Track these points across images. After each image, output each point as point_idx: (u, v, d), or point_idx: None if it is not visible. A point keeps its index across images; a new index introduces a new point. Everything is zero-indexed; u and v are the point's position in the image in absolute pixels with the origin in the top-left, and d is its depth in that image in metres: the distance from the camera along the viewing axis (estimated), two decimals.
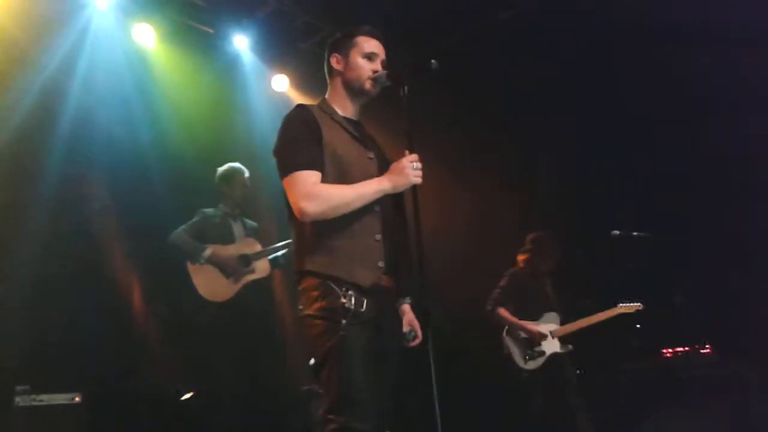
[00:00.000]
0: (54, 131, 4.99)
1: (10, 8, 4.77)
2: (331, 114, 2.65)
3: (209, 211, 4.99)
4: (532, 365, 4.98)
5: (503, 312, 5.08)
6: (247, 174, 4.99)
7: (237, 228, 5.02)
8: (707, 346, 5.40)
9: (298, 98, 6.24)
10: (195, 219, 4.95)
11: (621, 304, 5.11)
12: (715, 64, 5.18)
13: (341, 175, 2.49)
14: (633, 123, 5.90)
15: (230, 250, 4.87)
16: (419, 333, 2.67)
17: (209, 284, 4.76)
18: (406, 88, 2.52)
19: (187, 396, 4.80)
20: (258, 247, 4.96)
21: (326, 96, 2.76)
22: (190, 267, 4.79)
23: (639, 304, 5.14)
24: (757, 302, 5.57)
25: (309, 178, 2.43)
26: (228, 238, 4.93)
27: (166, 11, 5.48)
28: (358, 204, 2.43)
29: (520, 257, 5.28)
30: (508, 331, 5.08)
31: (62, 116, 5.03)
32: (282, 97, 6.27)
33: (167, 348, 4.96)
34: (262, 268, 4.91)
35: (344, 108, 2.71)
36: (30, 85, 4.86)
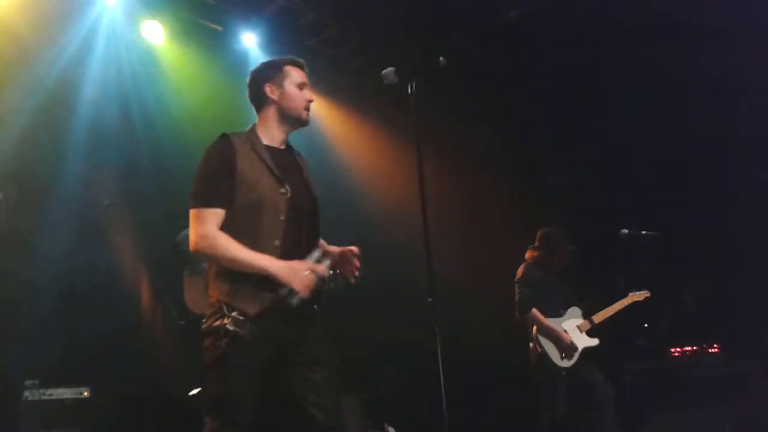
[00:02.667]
0: (64, 128, 5.01)
1: (19, 6, 4.79)
2: (254, 144, 2.69)
3: None
4: (567, 363, 4.95)
5: (537, 313, 4.96)
6: None
7: None
8: (715, 345, 5.38)
9: None
10: None
11: (631, 293, 5.10)
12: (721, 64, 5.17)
13: (250, 206, 2.57)
14: (640, 121, 5.89)
15: None
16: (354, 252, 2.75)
17: (196, 296, 4.79)
18: (414, 84, 2.52)
19: (194, 392, 4.82)
20: None
21: (256, 124, 2.80)
22: (186, 275, 4.82)
23: (647, 291, 5.12)
24: (766, 302, 5.56)
25: (211, 217, 2.55)
26: None
27: (176, 9, 5.50)
28: (243, 269, 2.52)
29: (529, 253, 5.22)
30: (539, 330, 5.02)
31: (72, 113, 5.05)
32: None
33: (175, 345, 4.97)
34: None
35: (272, 137, 2.76)
36: (40, 83, 4.88)
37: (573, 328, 5.01)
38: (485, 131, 6.21)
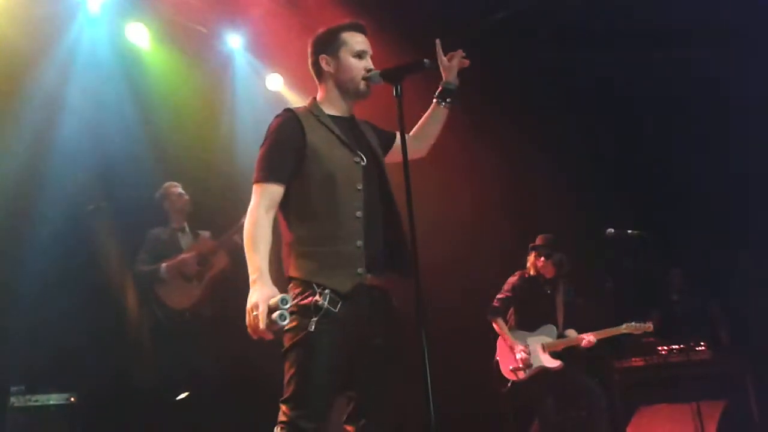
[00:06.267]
0: (48, 132, 4.97)
1: (2, 12, 4.74)
2: (319, 116, 2.61)
3: (156, 230, 5.12)
4: (515, 377, 4.98)
5: (498, 324, 5.09)
6: (180, 187, 5.17)
7: (186, 239, 5.16)
8: (702, 343, 5.41)
9: (292, 97, 6.22)
10: (146, 245, 5.06)
11: (628, 324, 4.94)
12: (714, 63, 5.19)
13: (326, 179, 2.49)
14: (631, 121, 5.92)
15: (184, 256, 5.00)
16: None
17: (175, 293, 4.88)
18: (399, 87, 2.48)
19: (182, 396, 4.79)
20: (211, 243, 5.10)
21: (317, 97, 2.73)
22: (156, 287, 4.88)
23: (649, 324, 4.95)
24: (753, 299, 5.60)
25: (264, 195, 2.46)
26: (177, 252, 5.05)
27: (160, 10, 5.45)
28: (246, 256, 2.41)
29: (529, 259, 5.23)
30: (500, 340, 5.11)
31: (57, 117, 5.01)
32: (276, 96, 6.25)
33: (161, 348, 4.94)
34: (219, 260, 5.03)
35: (336, 107, 2.68)
36: (26, 90, 4.85)
37: (536, 346, 5.00)
38: (474, 131, 6.20)
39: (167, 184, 5.20)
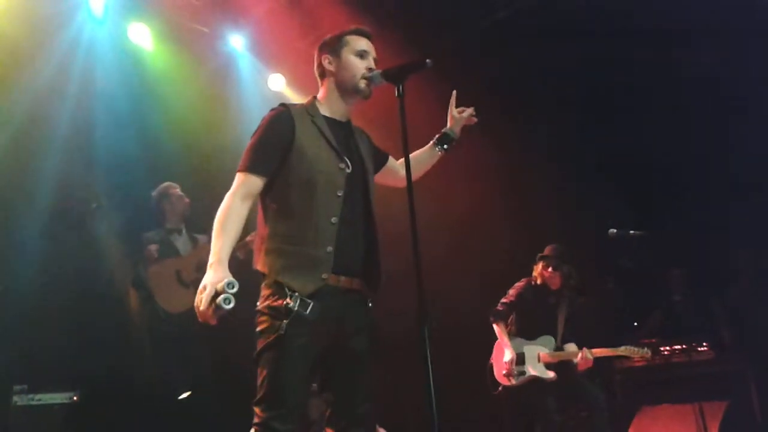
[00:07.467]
0: (51, 131, 4.99)
1: (6, 10, 4.76)
2: (314, 116, 2.63)
3: (149, 234, 5.09)
4: (506, 382, 4.99)
5: (498, 328, 5.11)
6: (179, 189, 5.17)
7: (182, 242, 5.15)
8: (704, 343, 5.41)
9: (294, 97, 6.23)
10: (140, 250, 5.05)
11: (627, 346, 4.94)
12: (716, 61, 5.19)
13: (307, 181, 2.50)
14: (629, 119, 5.91)
15: (183, 262, 4.99)
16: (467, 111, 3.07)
17: (172, 297, 4.88)
18: (401, 87, 2.49)
19: (184, 395, 4.80)
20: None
21: (317, 96, 2.75)
22: (154, 290, 4.88)
23: (647, 351, 4.95)
24: (755, 300, 5.60)
25: (242, 183, 2.50)
26: (173, 253, 5.05)
27: (162, 10, 5.47)
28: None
29: (536, 268, 5.23)
30: (497, 343, 5.13)
31: (60, 116, 5.02)
32: (278, 97, 6.25)
33: (163, 347, 4.95)
34: None
35: (333, 109, 2.70)
36: (27, 87, 4.86)
37: (533, 354, 5.02)
38: (473, 132, 6.20)
39: (166, 184, 5.19)
